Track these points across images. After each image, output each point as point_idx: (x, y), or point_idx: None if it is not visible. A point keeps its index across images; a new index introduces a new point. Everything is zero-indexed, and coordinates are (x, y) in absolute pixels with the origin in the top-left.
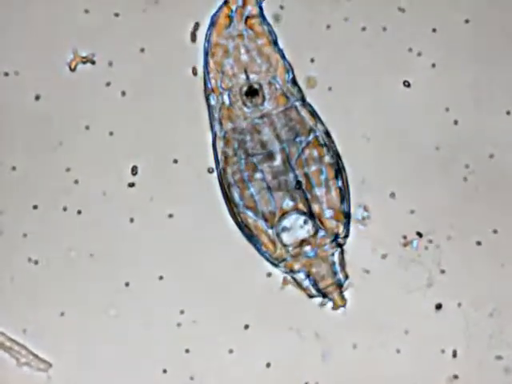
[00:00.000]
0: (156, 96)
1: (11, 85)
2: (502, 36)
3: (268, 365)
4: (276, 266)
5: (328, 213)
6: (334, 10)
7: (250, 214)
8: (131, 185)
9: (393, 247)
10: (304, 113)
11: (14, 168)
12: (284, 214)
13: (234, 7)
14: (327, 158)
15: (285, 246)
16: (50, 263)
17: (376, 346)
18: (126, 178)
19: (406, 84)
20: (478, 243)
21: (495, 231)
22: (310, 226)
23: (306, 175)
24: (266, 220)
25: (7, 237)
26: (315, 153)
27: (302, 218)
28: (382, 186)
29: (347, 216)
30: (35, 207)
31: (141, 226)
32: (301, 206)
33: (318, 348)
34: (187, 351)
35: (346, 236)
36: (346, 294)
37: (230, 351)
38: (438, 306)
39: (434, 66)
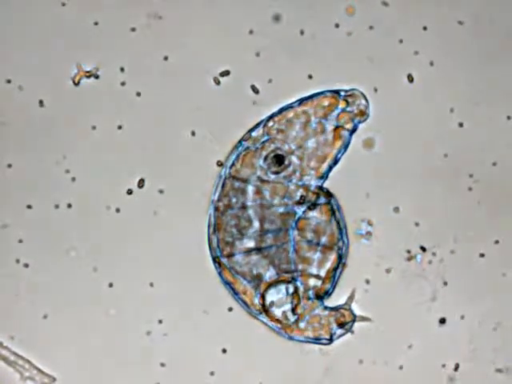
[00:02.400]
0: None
1: (13, 92)
2: (501, 37)
3: (271, 380)
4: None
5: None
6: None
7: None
8: (129, 192)
9: (397, 262)
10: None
11: (10, 166)
12: (268, 287)
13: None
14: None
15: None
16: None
17: (380, 362)
18: (130, 187)
19: (410, 79)
20: (482, 255)
21: (497, 242)
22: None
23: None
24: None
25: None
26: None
27: (285, 287)
28: (385, 200)
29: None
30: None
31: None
32: (284, 277)
33: (320, 363)
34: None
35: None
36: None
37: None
38: (442, 321)
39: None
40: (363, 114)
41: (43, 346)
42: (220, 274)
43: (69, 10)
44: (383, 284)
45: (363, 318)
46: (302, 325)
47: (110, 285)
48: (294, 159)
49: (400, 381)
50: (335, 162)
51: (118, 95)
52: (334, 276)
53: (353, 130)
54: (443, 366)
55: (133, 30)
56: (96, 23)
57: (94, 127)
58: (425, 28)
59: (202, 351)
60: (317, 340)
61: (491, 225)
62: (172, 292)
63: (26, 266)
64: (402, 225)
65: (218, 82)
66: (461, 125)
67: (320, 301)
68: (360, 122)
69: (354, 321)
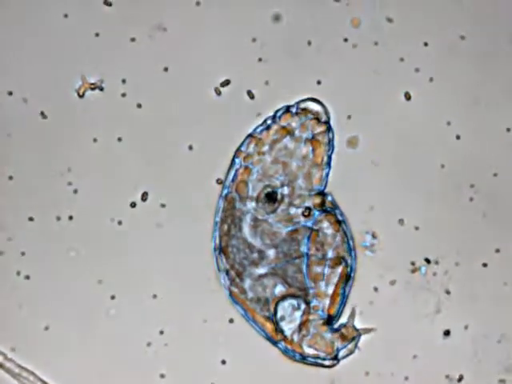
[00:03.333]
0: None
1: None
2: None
3: None
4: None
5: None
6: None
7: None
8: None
9: (401, 273)
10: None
11: (11, 178)
12: (278, 302)
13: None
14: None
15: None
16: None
17: (385, 373)
18: (133, 199)
19: (407, 97)
20: (484, 265)
21: (498, 250)
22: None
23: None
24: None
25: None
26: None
27: (295, 302)
28: (390, 213)
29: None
30: (31, 219)
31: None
32: (293, 290)
33: (326, 376)
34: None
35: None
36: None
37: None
38: (447, 333)
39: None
40: (319, 119)
41: (45, 358)
42: (230, 295)
43: (70, 22)
44: (388, 296)
45: (367, 330)
46: (304, 344)
47: (113, 297)
48: (285, 190)
49: None
50: (328, 164)
51: (119, 107)
52: (343, 294)
53: (328, 128)
54: (447, 376)
55: (133, 40)
56: (97, 34)
57: (95, 139)
58: (426, 44)
59: (201, 362)
60: (322, 359)
61: (493, 235)
62: (174, 304)
63: (28, 277)
64: (406, 237)
65: (219, 93)
66: (458, 137)
67: (329, 326)
68: (328, 121)
69: (358, 336)
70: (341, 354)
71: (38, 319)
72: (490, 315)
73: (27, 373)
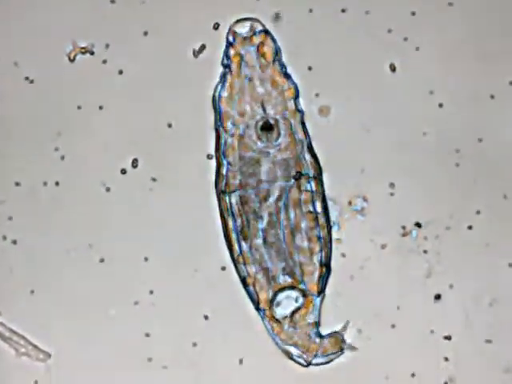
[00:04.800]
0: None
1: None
2: (486, 20)
3: None
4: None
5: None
6: None
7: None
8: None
9: (392, 237)
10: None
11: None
12: (279, 290)
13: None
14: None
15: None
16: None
17: (375, 332)
18: (124, 167)
19: (392, 68)
20: (470, 228)
21: (478, 212)
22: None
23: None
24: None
25: None
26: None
27: (295, 294)
28: (381, 177)
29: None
30: (17, 184)
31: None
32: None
33: None
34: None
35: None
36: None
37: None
38: (437, 297)
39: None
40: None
41: (31, 321)
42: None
43: None
44: (378, 260)
45: (351, 347)
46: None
47: (102, 260)
48: (271, 111)
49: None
50: (283, 68)
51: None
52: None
53: (266, 33)
54: (431, 331)
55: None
56: None
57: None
58: (413, 13)
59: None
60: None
61: (479, 198)
62: (165, 264)
63: (14, 242)
64: (397, 201)
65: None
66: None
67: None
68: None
69: (340, 352)
70: (316, 360)
71: (24, 284)
72: (481, 279)
73: (18, 336)
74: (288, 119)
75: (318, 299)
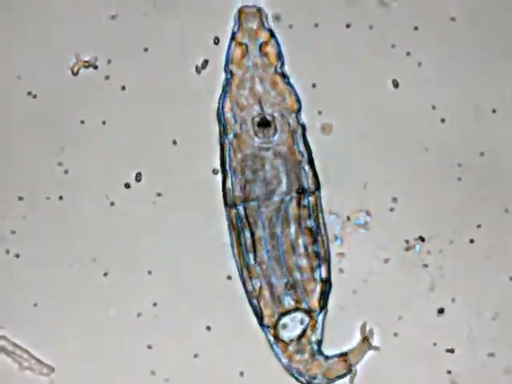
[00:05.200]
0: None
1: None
2: (487, 33)
3: None
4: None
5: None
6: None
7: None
8: (127, 186)
9: (395, 252)
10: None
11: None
12: (284, 314)
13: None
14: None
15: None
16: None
17: (377, 345)
18: (128, 181)
19: (395, 84)
20: (471, 241)
21: (479, 226)
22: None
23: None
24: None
25: None
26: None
27: (300, 316)
28: (384, 191)
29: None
30: (20, 198)
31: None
32: (302, 305)
33: None
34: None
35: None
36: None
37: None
38: (441, 311)
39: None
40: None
41: (34, 335)
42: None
43: None
44: (382, 274)
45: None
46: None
47: (105, 274)
48: (268, 108)
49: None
50: (286, 78)
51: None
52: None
53: (271, 34)
54: (434, 344)
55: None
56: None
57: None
58: (416, 28)
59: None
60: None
61: (484, 212)
62: (171, 277)
63: (17, 256)
64: (400, 215)
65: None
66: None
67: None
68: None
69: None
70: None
71: (27, 297)
72: (484, 293)
73: (21, 351)
74: (286, 117)
75: (321, 316)
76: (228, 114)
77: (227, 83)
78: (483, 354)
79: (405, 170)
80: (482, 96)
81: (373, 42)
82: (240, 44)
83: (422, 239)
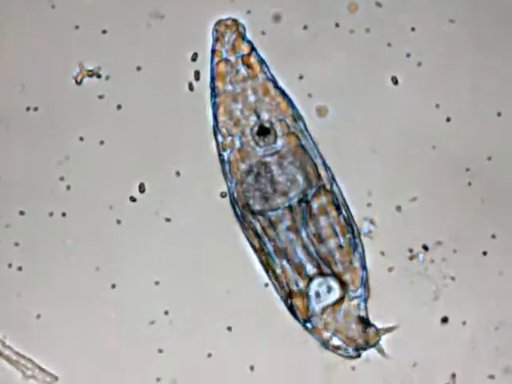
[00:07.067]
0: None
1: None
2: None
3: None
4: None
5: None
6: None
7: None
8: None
9: (399, 260)
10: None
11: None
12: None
13: (223, 51)
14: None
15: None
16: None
17: (384, 361)
18: (130, 192)
19: (394, 81)
20: (484, 253)
21: (493, 236)
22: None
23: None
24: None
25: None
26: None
27: (326, 283)
28: (388, 199)
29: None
30: (22, 213)
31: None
32: (325, 269)
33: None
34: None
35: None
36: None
37: None
38: (444, 320)
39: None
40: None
41: (39, 345)
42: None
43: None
44: (386, 283)
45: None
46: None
47: (113, 286)
48: (265, 116)
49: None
50: (274, 82)
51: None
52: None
53: (252, 48)
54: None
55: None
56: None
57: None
58: (413, 29)
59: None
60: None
61: (491, 220)
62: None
63: (20, 269)
64: (404, 224)
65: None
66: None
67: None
68: (244, 38)
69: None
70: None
71: (31, 307)
72: (487, 302)
73: (25, 360)
74: (283, 120)
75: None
76: (223, 130)
77: (215, 101)
78: (487, 364)
79: (409, 178)
80: (485, 99)
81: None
82: (222, 60)
83: (426, 248)
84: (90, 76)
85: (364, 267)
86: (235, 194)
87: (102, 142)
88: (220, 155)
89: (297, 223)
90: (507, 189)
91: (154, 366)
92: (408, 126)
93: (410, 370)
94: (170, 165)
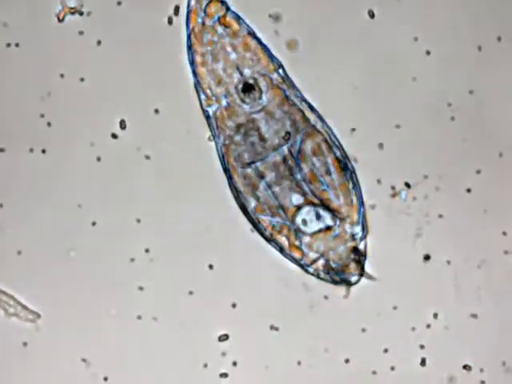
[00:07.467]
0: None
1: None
2: None
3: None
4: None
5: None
6: None
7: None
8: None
9: (381, 198)
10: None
11: None
12: (298, 209)
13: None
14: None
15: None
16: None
17: (363, 298)
18: (112, 130)
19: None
20: (468, 190)
21: (478, 171)
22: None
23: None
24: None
25: None
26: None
27: (314, 212)
28: (370, 136)
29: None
30: (2, 150)
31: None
32: (312, 199)
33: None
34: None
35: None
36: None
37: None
38: (427, 257)
39: None
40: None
41: (20, 282)
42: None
43: None
44: (368, 220)
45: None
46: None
47: (94, 223)
48: (248, 72)
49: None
50: (255, 37)
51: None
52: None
53: (227, 8)
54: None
55: None
56: None
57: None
58: None
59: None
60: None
61: (474, 156)
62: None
63: (1, 206)
64: (386, 161)
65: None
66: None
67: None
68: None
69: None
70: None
71: (12, 244)
72: (470, 240)
73: (7, 297)
74: (266, 75)
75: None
76: (207, 90)
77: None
78: (470, 303)
79: (392, 113)
80: (465, 34)
81: None
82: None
83: (408, 185)
84: (73, 14)
85: (362, 204)
86: (223, 149)
87: (82, 79)
88: (205, 111)
89: (291, 170)
90: (490, 123)
91: (135, 303)
92: (387, 60)
93: (391, 309)
94: (151, 102)
